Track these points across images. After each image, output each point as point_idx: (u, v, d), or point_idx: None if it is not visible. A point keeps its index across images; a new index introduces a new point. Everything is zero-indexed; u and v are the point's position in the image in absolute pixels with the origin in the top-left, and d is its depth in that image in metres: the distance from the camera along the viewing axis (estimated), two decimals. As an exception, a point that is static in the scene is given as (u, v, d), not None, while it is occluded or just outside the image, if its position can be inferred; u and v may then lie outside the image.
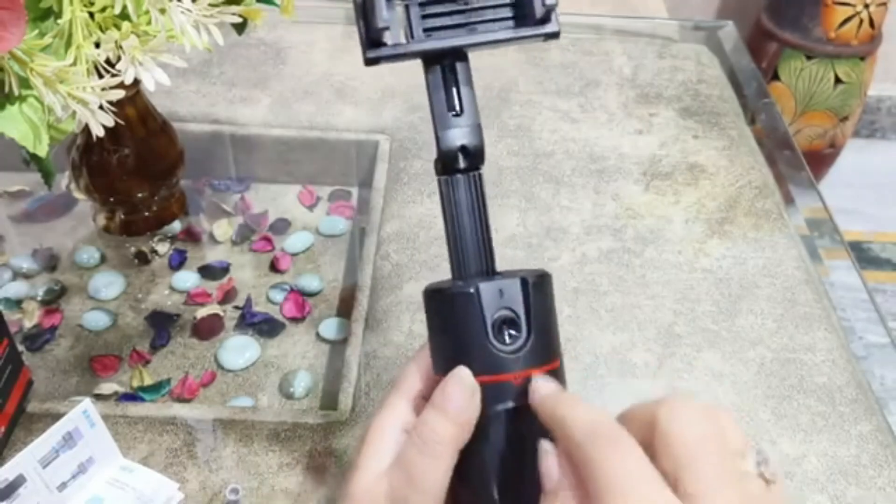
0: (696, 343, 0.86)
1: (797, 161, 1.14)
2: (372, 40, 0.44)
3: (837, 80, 2.48)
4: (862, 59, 2.47)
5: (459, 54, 0.45)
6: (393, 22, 0.44)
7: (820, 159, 2.64)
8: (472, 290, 0.43)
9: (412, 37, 0.45)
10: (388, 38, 0.44)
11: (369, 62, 0.45)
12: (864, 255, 2.59)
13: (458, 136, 0.45)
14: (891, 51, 2.62)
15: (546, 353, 0.44)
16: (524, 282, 0.43)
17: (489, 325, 0.43)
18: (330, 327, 0.90)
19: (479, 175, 0.46)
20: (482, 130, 0.45)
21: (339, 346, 0.88)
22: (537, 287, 0.44)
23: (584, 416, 0.39)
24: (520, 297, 0.43)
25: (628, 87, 1.25)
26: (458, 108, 0.45)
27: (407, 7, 0.44)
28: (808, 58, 2.46)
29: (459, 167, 0.45)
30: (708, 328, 0.88)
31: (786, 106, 2.52)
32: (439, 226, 0.98)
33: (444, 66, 0.45)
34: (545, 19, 0.45)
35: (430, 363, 0.45)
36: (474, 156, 0.45)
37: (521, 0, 0.45)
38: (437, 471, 0.41)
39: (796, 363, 0.85)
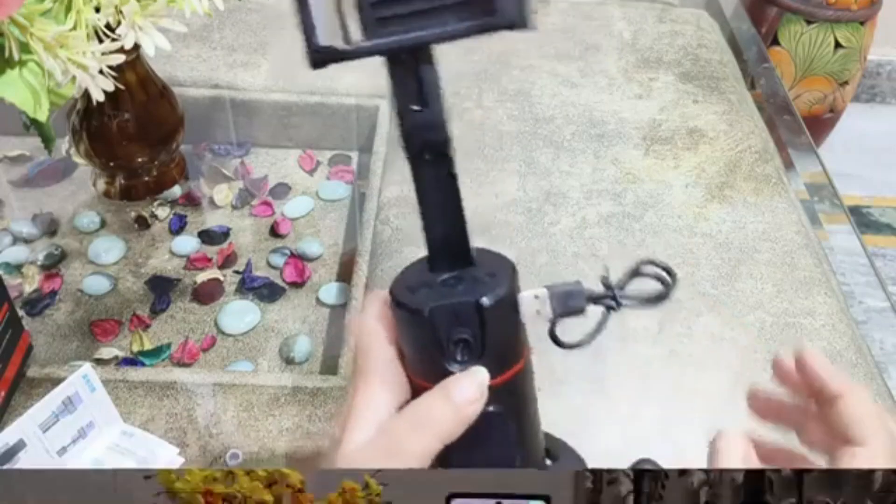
0: (696, 307, 0.86)
1: (797, 126, 1.13)
2: (316, 46, 0.43)
3: (837, 45, 2.47)
4: (862, 23, 2.45)
5: (420, 48, 0.43)
6: (338, 18, 0.42)
7: (820, 124, 2.63)
8: (426, 313, 0.42)
9: (366, 34, 0.43)
10: (335, 41, 0.43)
11: (316, 65, 0.44)
12: (863, 220, 2.59)
13: (422, 131, 0.43)
14: (890, 15, 2.60)
15: (503, 363, 0.43)
16: (478, 306, 0.42)
17: (443, 345, 0.42)
18: (330, 292, 0.90)
19: (448, 164, 0.44)
20: (446, 122, 0.43)
21: (339, 310, 0.89)
22: (493, 309, 0.42)
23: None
24: (475, 320, 0.42)
25: (628, 52, 1.24)
26: (420, 102, 0.43)
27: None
28: (808, 22, 2.44)
29: (426, 159, 0.44)
30: (707, 292, 0.88)
31: (785, 71, 2.51)
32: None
33: (404, 61, 0.43)
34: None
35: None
36: (439, 148, 0.43)
37: None
38: (424, 452, 0.41)
39: (796, 327, 0.85)
